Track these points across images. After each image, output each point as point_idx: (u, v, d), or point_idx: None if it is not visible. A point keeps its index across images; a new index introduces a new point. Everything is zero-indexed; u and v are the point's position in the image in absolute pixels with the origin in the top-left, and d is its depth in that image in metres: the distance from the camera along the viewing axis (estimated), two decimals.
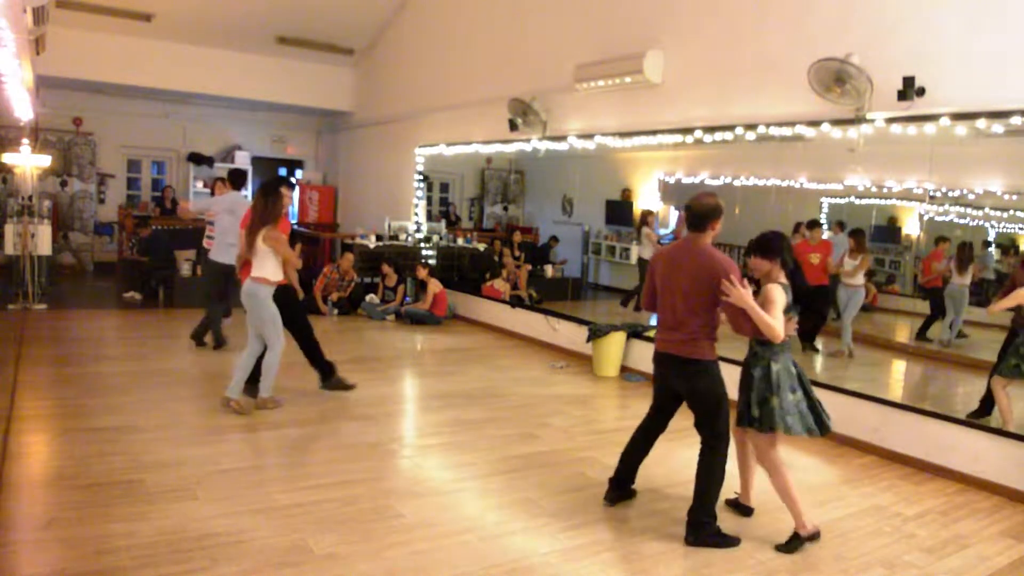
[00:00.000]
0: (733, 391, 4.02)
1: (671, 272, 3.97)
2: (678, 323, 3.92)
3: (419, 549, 3.58)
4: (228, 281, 7.12)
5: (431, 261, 10.82)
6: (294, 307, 5.92)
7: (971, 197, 6.43)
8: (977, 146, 5.48)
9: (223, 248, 7.12)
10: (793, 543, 3.85)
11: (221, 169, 14.22)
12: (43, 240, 9.54)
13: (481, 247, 11.58)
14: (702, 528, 3.87)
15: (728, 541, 3.89)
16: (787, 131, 6.11)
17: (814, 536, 3.92)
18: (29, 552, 3.35)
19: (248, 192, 9.38)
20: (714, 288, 3.78)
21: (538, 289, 10.51)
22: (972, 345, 6.88)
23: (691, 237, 3.96)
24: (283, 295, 5.67)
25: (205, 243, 7.78)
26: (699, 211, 3.89)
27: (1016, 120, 4.73)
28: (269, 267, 5.42)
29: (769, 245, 3.90)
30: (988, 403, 5.35)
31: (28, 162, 9.62)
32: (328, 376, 6.18)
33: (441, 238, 11.47)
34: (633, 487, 4.40)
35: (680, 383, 4.03)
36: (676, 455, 5.21)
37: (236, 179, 7.57)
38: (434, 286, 9.95)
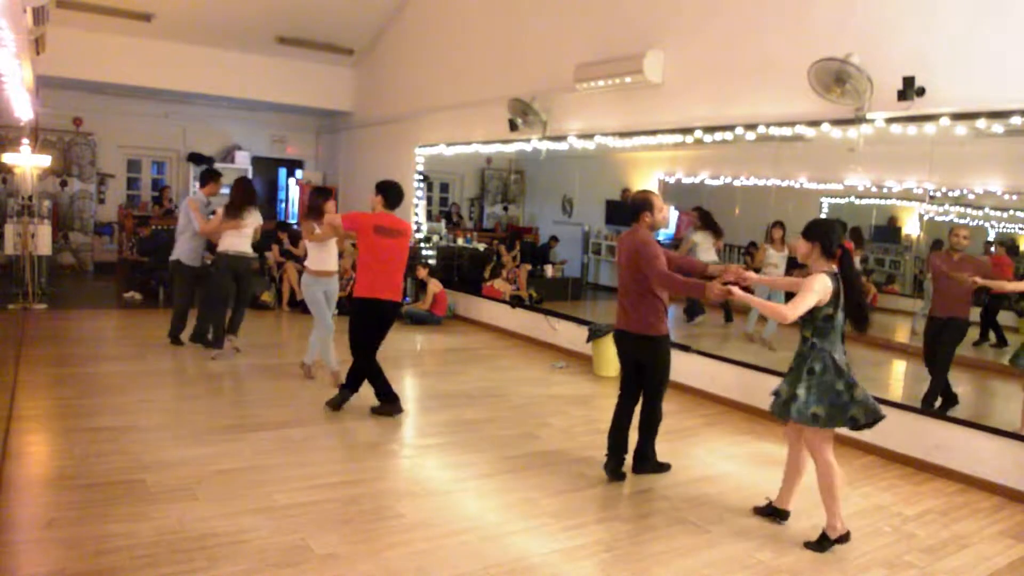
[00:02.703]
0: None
1: (619, 259, 4.74)
2: (627, 303, 4.64)
3: (419, 549, 3.58)
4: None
5: (431, 261, 10.82)
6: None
7: (971, 197, 6.42)
8: (977, 146, 5.47)
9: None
10: (824, 543, 3.87)
11: (220, 169, 14.26)
12: (43, 240, 9.54)
13: (481, 247, 11.58)
14: (646, 460, 4.82)
15: (662, 467, 4.84)
16: (787, 131, 6.11)
17: (843, 538, 3.90)
18: (29, 552, 3.35)
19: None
20: (640, 267, 4.48)
21: (538, 289, 10.51)
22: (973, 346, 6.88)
23: (632, 228, 4.66)
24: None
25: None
26: (631, 204, 4.67)
27: (1016, 120, 4.73)
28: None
29: (811, 229, 3.91)
30: None
31: (28, 162, 9.62)
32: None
33: (441, 238, 11.47)
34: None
35: (635, 355, 4.71)
36: (677, 455, 5.21)
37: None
38: (434, 286, 9.95)
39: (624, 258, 4.64)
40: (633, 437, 4.81)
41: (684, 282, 4.41)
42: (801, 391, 3.81)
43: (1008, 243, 6.67)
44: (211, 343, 7.35)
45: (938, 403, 5.62)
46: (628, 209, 4.68)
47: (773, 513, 4.22)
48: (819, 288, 3.73)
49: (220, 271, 7.25)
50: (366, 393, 6.09)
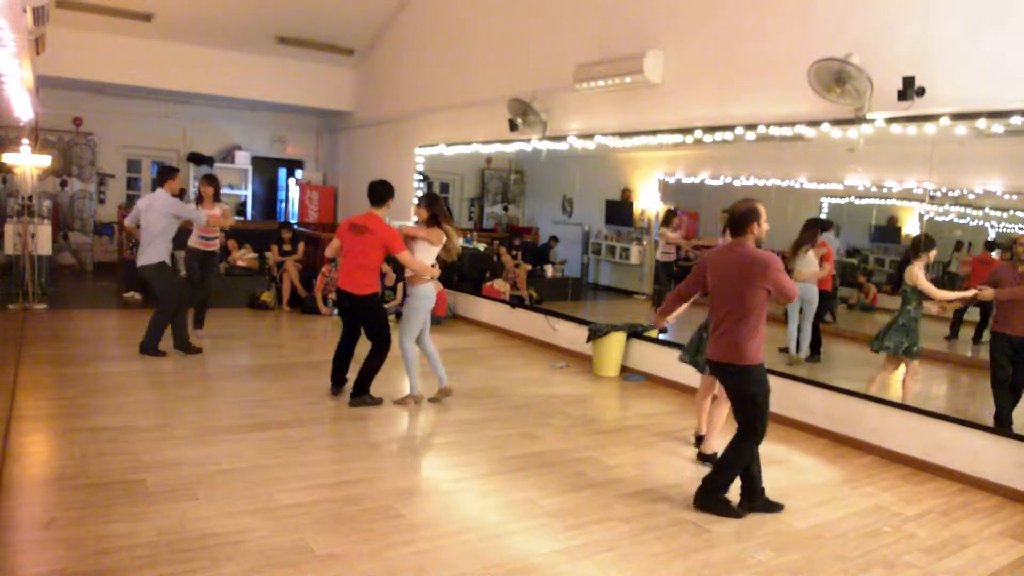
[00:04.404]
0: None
1: (717, 278, 4.24)
2: (721, 328, 4.20)
3: (419, 549, 3.58)
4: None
5: None
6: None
7: (971, 197, 6.42)
8: (977, 146, 5.47)
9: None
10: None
11: (220, 169, 14.28)
12: (43, 240, 9.54)
13: (481, 247, 11.57)
14: (711, 495, 4.25)
15: (732, 512, 4.22)
16: (787, 131, 6.11)
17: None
18: (29, 552, 3.35)
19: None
20: (756, 287, 4.04)
21: (538, 289, 10.50)
22: (971, 345, 6.88)
23: (733, 242, 4.22)
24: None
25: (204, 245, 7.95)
26: (735, 215, 4.19)
27: (1016, 120, 4.73)
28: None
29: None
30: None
31: (28, 162, 9.62)
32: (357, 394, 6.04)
33: None
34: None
35: (724, 381, 4.39)
36: (677, 455, 5.21)
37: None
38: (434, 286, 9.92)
39: (731, 273, 4.14)
40: None
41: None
42: None
43: (1005, 244, 6.68)
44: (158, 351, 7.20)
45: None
46: (731, 220, 4.21)
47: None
48: None
49: (195, 266, 7.75)
50: (386, 392, 6.09)
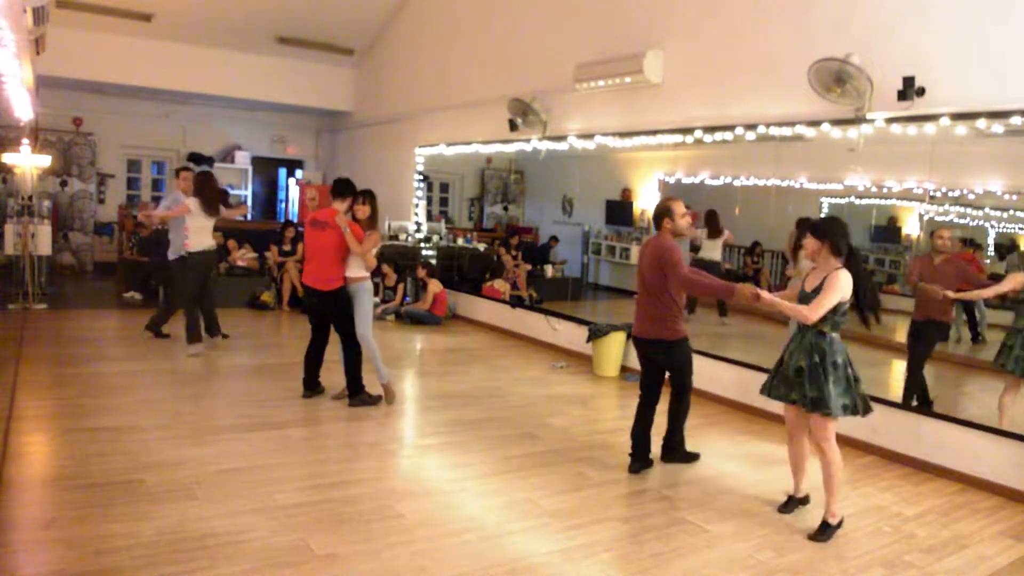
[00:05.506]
0: None
1: (640, 267, 4.82)
2: (648, 310, 4.74)
3: (419, 549, 3.58)
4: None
5: (432, 261, 10.82)
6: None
7: (971, 197, 6.42)
8: (977, 146, 5.47)
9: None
10: (828, 531, 4.02)
11: (220, 169, 14.27)
12: (43, 240, 9.54)
13: (481, 247, 11.58)
14: (674, 450, 5.02)
15: (691, 457, 5.05)
16: (787, 131, 6.12)
17: (840, 523, 4.10)
18: (29, 552, 3.35)
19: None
20: (665, 272, 4.56)
21: (538, 289, 10.50)
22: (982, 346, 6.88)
23: (654, 235, 4.81)
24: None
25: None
26: (654, 212, 4.79)
27: (1016, 120, 4.73)
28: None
29: (821, 228, 4.00)
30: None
31: (28, 162, 9.62)
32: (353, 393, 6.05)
33: (441, 238, 11.48)
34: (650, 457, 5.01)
35: (656, 356, 4.84)
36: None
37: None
38: (434, 286, 9.95)
39: (645, 263, 4.75)
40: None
41: (711, 284, 4.57)
42: (830, 385, 3.90)
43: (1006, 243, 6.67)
44: (160, 334, 7.78)
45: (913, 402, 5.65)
46: (653, 217, 4.81)
47: (799, 503, 4.41)
48: (844, 284, 3.84)
49: (193, 268, 7.41)
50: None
